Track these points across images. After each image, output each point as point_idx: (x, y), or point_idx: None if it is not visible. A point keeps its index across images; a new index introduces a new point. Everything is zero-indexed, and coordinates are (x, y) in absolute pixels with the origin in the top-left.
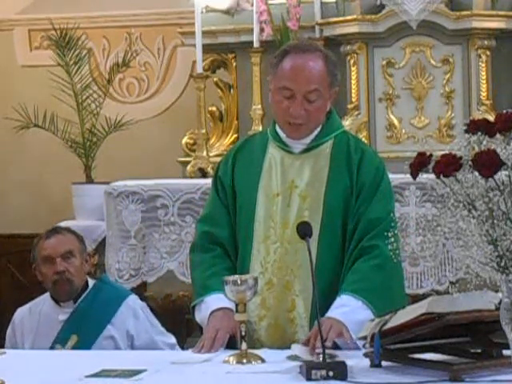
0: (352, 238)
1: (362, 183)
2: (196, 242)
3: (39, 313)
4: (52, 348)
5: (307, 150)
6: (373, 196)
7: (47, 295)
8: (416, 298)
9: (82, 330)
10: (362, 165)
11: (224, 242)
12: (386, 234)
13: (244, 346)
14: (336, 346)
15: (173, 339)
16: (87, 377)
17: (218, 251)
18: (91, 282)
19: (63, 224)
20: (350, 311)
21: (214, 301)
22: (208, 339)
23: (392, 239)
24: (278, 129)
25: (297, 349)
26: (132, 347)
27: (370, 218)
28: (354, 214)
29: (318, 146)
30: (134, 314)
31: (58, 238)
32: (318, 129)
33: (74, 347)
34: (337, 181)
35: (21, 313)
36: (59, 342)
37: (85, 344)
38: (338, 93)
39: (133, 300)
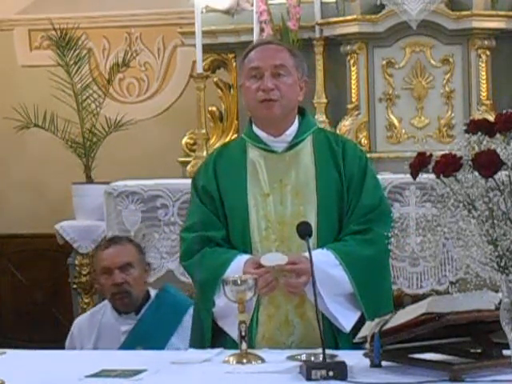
0: (346, 226)
1: (351, 174)
2: (185, 249)
3: (99, 322)
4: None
5: (289, 148)
6: (362, 184)
7: (108, 303)
8: (416, 298)
9: (147, 342)
10: (346, 155)
11: (220, 243)
12: (380, 219)
13: (244, 345)
14: None
15: None
16: (87, 377)
17: (214, 245)
18: (153, 292)
19: (65, 224)
20: (323, 261)
21: (240, 260)
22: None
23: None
24: (256, 130)
25: (267, 259)
26: None
27: (363, 204)
28: (348, 206)
29: (298, 143)
30: None
31: (117, 249)
32: (296, 126)
33: None
34: (325, 174)
35: (79, 323)
36: None
37: None
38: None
39: None
